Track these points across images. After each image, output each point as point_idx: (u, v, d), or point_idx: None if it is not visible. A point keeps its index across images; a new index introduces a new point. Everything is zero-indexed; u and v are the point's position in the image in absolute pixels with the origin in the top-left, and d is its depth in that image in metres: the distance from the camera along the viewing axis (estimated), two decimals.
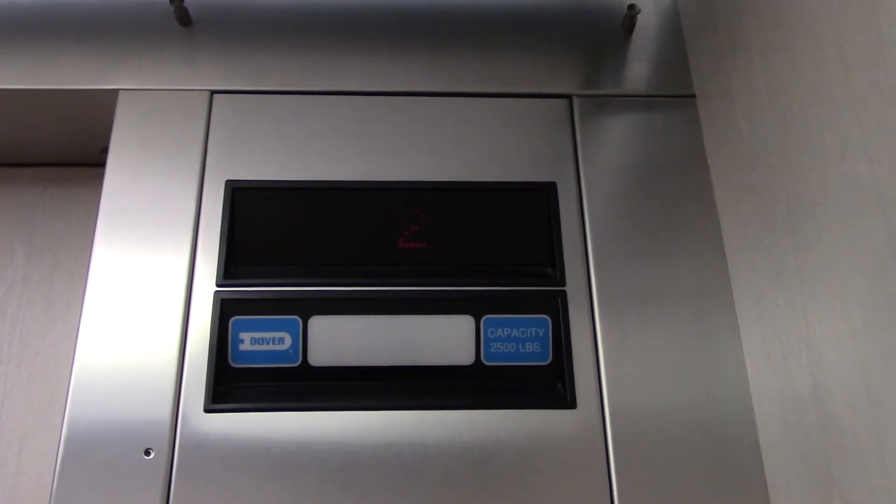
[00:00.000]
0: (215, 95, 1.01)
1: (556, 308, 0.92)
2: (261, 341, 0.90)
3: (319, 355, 0.90)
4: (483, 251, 0.96)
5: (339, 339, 0.91)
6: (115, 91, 1.00)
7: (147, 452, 0.83)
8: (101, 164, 0.97)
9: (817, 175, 0.74)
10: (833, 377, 0.72)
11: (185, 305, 0.90)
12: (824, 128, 0.73)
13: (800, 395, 0.77)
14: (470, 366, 0.90)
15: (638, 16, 1.06)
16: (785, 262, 0.80)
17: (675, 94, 1.05)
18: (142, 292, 0.90)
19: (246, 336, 0.90)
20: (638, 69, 1.07)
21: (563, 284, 0.93)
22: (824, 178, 0.73)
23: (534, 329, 0.92)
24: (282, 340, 0.90)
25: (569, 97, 1.04)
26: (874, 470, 0.65)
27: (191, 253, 0.92)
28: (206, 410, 0.86)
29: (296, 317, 0.91)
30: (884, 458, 0.64)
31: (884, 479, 0.64)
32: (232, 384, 0.88)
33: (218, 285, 0.91)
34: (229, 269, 0.92)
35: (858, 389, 0.68)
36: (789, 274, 0.80)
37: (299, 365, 0.89)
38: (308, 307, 0.91)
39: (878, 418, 0.65)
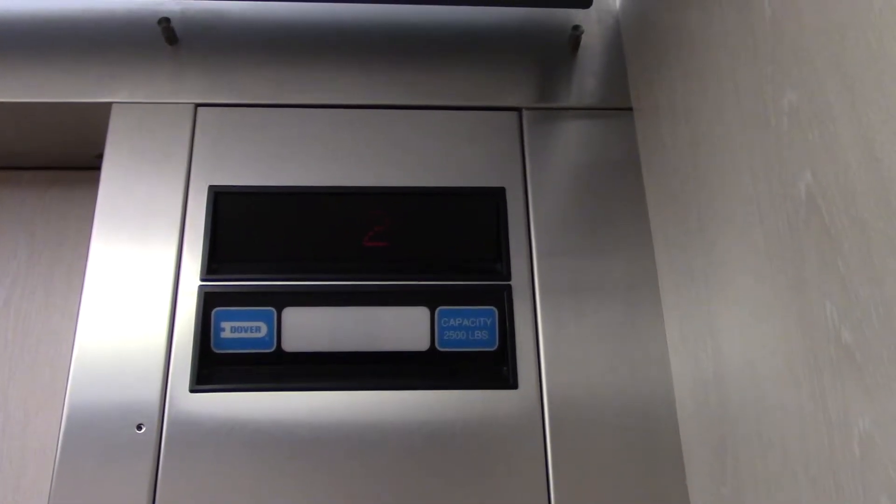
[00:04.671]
0: (199, 108, 1.12)
1: (503, 300, 1.04)
2: (240, 329, 1.01)
3: (292, 342, 1.02)
4: (439, 249, 1.08)
5: (309, 328, 1.02)
6: (109, 104, 1.11)
7: (139, 427, 0.95)
8: (96, 167, 1.08)
9: (717, 186, 0.86)
10: (727, 361, 0.84)
11: (173, 297, 1.02)
12: (723, 146, 0.84)
13: (705, 377, 0.90)
14: (425, 351, 1.02)
15: (582, 35, 1.18)
16: (695, 260, 0.92)
17: (615, 107, 1.17)
18: (134, 285, 1.02)
19: (227, 325, 1.01)
20: (582, 84, 1.18)
21: (509, 279, 1.05)
22: (722, 189, 0.85)
23: (482, 319, 1.04)
24: (258, 329, 1.01)
25: (518, 110, 1.16)
26: (754, 438, 0.78)
27: (177, 250, 1.04)
28: (192, 390, 0.97)
29: (271, 308, 1.02)
30: (760, 427, 0.76)
31: (760, 446, 0.76)
32: (214, 367, 1.00)
33: (202, 279, 1.03)
34: (212, 265, 1.04)
35: (744, 372, 0.80)
36: (698, 271, 0.92)
37: (274, 350, 1.01)
38: (282, 299, 1.03)
39: (758, 395, 0.77)
